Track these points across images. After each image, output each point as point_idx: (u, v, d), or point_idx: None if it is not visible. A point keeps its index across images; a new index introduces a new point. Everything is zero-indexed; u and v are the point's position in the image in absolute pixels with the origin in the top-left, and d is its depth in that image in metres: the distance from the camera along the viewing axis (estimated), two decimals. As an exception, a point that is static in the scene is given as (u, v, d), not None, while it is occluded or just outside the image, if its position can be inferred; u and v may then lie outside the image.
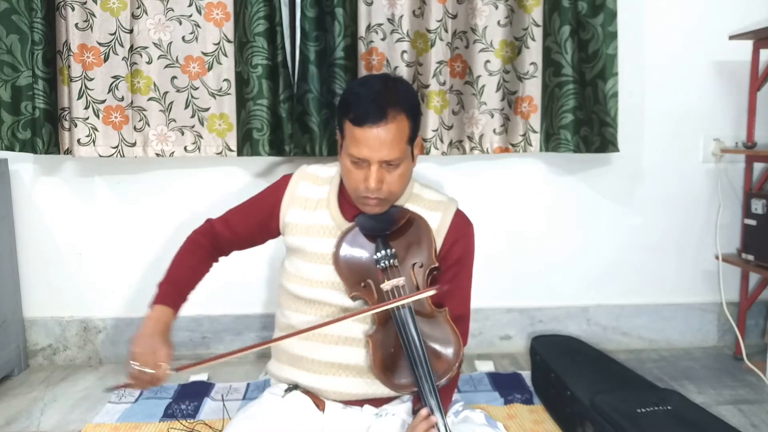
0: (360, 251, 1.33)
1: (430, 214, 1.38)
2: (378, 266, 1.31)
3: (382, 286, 1.29)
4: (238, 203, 1.50)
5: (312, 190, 1.41)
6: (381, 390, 1.31)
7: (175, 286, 1.38)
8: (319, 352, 1.33)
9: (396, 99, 1.25)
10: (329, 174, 1.42)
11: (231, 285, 2.10)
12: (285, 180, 1.45)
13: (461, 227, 1.40)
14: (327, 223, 1.37)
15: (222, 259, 1.51)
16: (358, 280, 1.31)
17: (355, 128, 1.23)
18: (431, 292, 1.27)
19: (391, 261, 1.31)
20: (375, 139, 1.22)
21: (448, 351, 1.28)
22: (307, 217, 1.38)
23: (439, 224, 1.37)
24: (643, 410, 1.46)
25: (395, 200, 1.34)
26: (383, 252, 1.31)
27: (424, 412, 1.19)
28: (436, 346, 1.28)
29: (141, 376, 1.21)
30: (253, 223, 1.45)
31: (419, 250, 1.33)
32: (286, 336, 1.32)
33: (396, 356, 1.27)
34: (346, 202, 1.38)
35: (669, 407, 1.48)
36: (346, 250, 1.33)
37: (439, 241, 1.36)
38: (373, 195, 1.27)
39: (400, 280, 1.29)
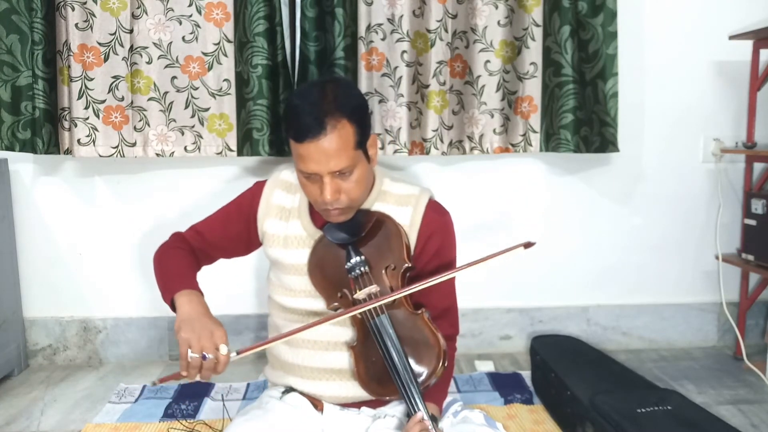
0: (331, 262, 1.28)
1: (401, 210, 1.31)
2: (350, 275, 1.26)
3: (356, 295, 1.24)
4: (208, 215, 1.43)
5: (286, 199, 1.37)
6: None
7: (184, 275, 1.29)
8: (310, 359, 1.31)
9: (334, 106, 1.17)
10: None
11: (230, 285, 2.10)
12: (259, 187, 1.40)
13: (435, 219, 1.33)
14: (299, 233, 1.33)
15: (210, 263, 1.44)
16: (334, 290, 1.27)
17: (298, 145, 1.18)
18: (400, 295, 1.22)
19: (363, 268, 1.25)
20: (319, 153, 1.16)
21: (429, 354, 1.24)
22: (283, 227, 1.35)
23: (410, 220, 1.31)
24: (643, 410, 1.47)
25: (359, 205, 1.29)
26: (354, 260, 1.26)
27: (418, 415, 1.17)
28: (417, 351, 1.24)
29: (200, 365, 1.09)
30: (231, 234, 1.40)
31: (390, 253, 1.27)
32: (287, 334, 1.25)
33: (378, 365, 1.24)
34: (316, 210, 1.33)
35: (669, 407, 1.49)
36: (318, 262, 1.29)
37: (412, 237, 1.31)
38: (332, 206, 1.23)
39: (372, 288, 1.24)
